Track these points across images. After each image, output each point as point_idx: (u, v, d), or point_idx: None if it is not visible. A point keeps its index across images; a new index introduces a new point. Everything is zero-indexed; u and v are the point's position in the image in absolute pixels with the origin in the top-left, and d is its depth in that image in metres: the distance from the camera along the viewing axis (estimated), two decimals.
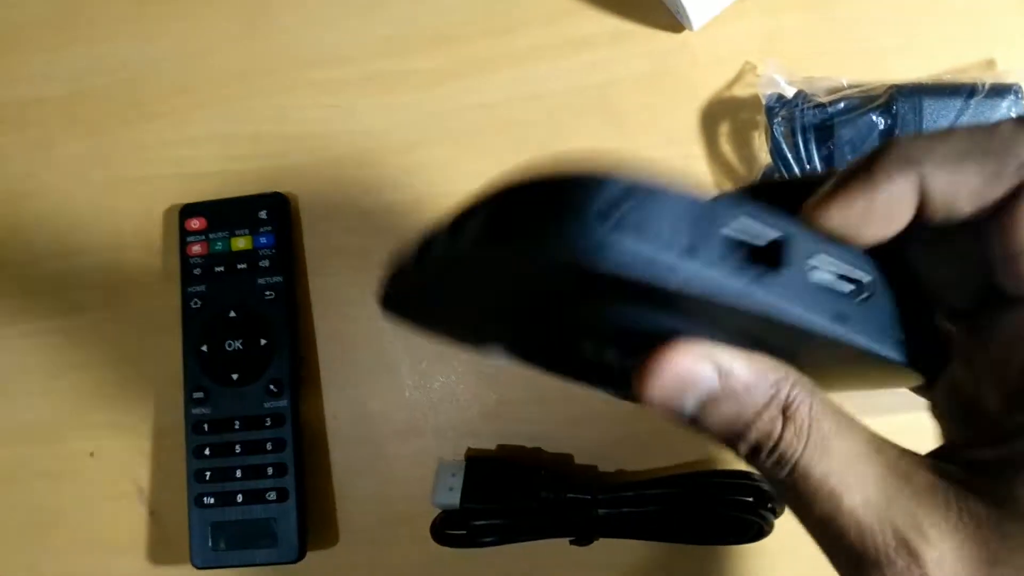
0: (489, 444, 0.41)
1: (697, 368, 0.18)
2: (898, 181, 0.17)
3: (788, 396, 0.18)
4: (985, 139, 0.17)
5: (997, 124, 0.17)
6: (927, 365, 0.20)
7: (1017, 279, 0.18)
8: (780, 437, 0.18)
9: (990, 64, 0.38)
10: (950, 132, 0.17)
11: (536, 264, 0.16)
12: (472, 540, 0.38)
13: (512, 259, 0.16)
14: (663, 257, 0.15)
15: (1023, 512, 0.16)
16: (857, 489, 0.17)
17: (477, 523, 0.38)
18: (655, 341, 0.18)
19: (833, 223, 0.18)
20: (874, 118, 0.35)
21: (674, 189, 0.15)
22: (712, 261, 0.15)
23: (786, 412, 0.18)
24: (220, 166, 0.43)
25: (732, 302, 0.16)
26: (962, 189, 0.17)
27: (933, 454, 0.19)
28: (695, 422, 0.18)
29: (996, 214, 0.17)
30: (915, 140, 0.17)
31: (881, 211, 0.17)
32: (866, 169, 0.17)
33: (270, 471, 0.40)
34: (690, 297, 0.15)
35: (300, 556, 0.39)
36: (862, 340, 0.17)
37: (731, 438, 0.19)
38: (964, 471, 0.18)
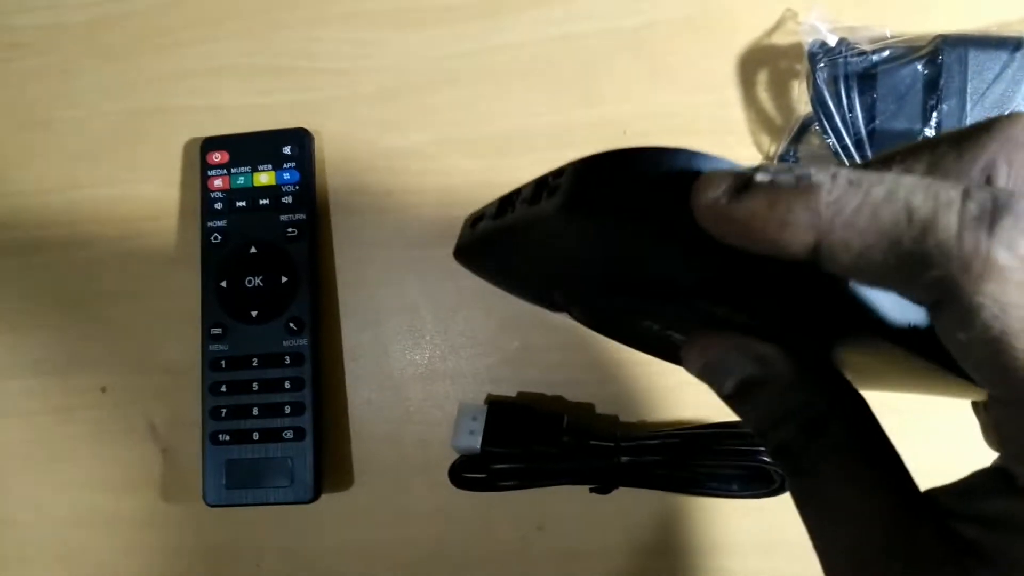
0: (509, 391, 0.40)
1: (736, 355, 0.18)
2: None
3: (826, 409, 0.18)
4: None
5: (938, 205, 0.15)
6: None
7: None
8: (805, 447, 0.18)
9: None
10: (873, 190, 0.15)
11: (628, 231, 0.16)
12: (491, 484, 0.38)
13: (600, 225, 0.16)
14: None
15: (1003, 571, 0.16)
16: (865, 525, 0.17)
17: (497, 467, 0.37)
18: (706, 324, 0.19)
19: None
20: (919, 67, 0.35)
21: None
22: None
23: (816, 424, 0.18)
24: (243, 100, 0.42)
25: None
26: (870, 266, 0.15)
27: (935, 506, 0.18)
28: (732, 399, 0.19)
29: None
30: None
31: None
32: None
33: (287, 410, 0.39)
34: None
35: (315, 496, 0.39)
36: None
37: (761, 430, 0.19)
38: (964, 522, 0.17)
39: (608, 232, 0.16)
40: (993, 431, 0.17)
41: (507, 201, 0.19)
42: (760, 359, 0.18)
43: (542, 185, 0.17)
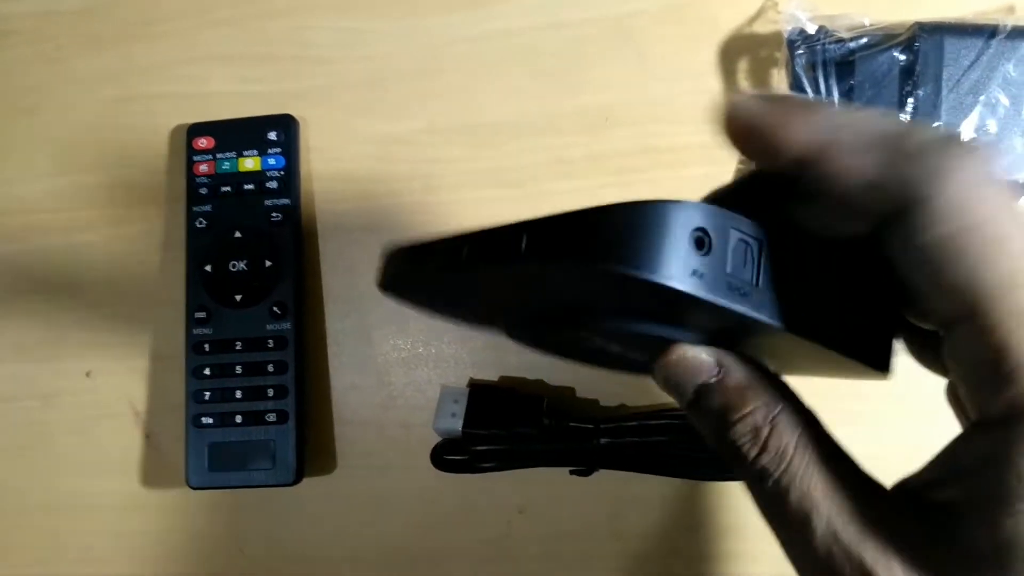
0: (491, 375, 0.40)
1: (702, 358, 0.20)
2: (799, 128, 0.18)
3: (777, 411, 0.19)
4: (897, 137, 0.17)
5: (916, 127, 0.17)
6: (866, 356, 0.19)
7: (920, 310, 0.18)
8: (763, 448, 0.19)
9: (1011, 9, 0.38)
10: (868, 112, 0.18)
11: (596, 282, 0.17)
12: (472, 465, 0.38)
13: (569, 274, 0.17)
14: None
15: (968, 558, 0.17)
16: (832, 516, 0.18)
17: (478, 448, 0.38)
18: (665, 340, 0.20)
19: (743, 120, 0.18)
20: (895, 54, 0.35)
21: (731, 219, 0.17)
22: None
23: (774, 425, 0.19)
24: (230, 87, 0.43)
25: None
26: (854, 168, 0.17)
27: (905, 488, 0.19)
28: (692, 407, 0.20)
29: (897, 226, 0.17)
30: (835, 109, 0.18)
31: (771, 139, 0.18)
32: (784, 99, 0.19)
33: (270, 393, 0.39)
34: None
35: (297, 479, 0.39)
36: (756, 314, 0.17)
37: (719, 433, 0.20)
38: (929, 510, 0.18)
39: (572, 285, 0.17)
40: (953, 367, 0.18)
41: (455, 242, 0.18)
42: (719, 363, 0.20)
43: (501, 235, 0.17)
